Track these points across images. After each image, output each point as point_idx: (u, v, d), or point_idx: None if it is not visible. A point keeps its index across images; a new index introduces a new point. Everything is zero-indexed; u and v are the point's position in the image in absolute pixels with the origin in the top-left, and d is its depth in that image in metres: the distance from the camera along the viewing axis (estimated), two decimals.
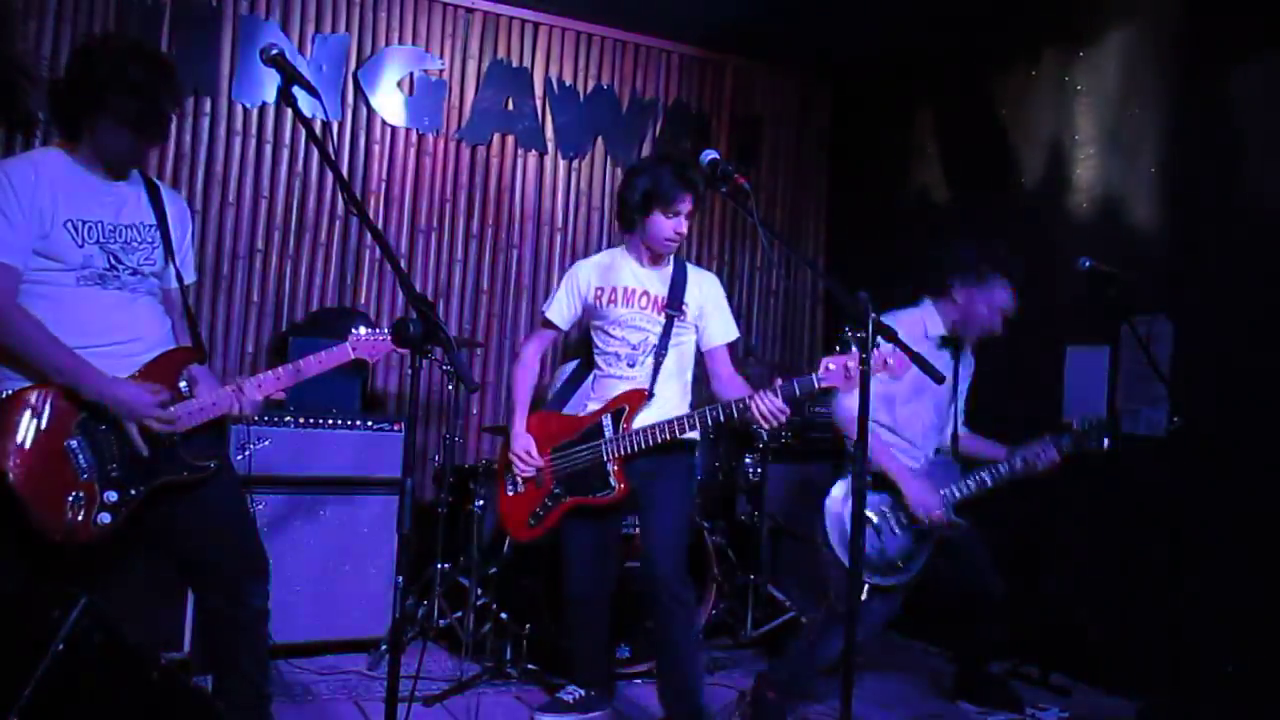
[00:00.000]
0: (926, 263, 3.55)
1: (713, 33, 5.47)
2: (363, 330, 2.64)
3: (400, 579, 2.08)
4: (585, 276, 3.22)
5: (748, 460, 4.58)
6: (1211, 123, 3.86)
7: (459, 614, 3.93)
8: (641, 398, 3.11)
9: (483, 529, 4.07)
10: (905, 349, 2.47)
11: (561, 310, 3.25)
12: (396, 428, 4.08)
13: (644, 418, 3.09)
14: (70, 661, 1.90)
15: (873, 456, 3.13)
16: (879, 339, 2.36)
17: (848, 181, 5.95)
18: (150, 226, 2.47)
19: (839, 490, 3.25)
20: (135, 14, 4.53)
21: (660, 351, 3.12)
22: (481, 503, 4.06)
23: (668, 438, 3.02)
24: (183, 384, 2.48)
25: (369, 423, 4.07)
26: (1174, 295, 3.89)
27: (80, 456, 2.30)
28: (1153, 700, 3.57)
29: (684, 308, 3.13)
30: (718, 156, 2.52)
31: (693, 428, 3.02)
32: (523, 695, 3.59)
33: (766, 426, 2.88)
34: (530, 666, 3.77)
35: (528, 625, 3.78)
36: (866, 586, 3.19)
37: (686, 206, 3.04)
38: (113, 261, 2.38)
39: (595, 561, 3.28)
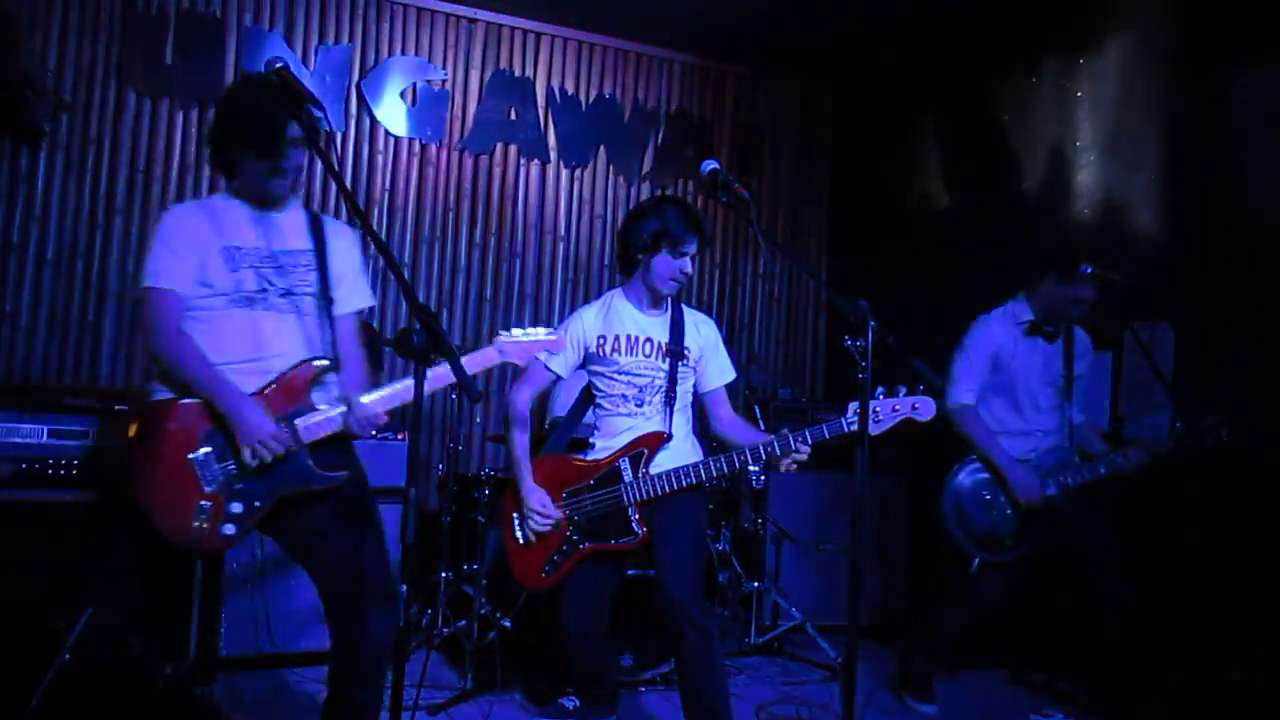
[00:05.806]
0: (1024, 261, 3.80)
1: (714, 41, 5.50)
2: (515, 332, 2.62)
3: (404, 588, 2.09)
4: (587, 325, 3.14)
5: (752, 468, 4.58)
6: (1212, 128, 3.87)
7: (463, 623, 3.94)
8: (660, 440, 3.05)
9: (486, 540, 4.07)
10: (904, 354, 2.49)
11: (565, 357, 3.14)
12: (400, 437, 4.09)
13: (661, 459, 3.05)
14: (77, 672, 1.91)
15: (980, 443, 3.57)
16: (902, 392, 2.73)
17: (850, 188, 5.97)
18: (307, 252, 2.54)
19: (963, 472, 3.61)
20: (140, 26, 4.57)
21: (671, 394, 3.09)
22: (485, 517, 4.06)
23: (693, 483, 2.98)
24: (315, 396, 2.50)
25: (373, 432, 4.06)
26: (1176, 301, 3.89)
27: (206, 469, 2.35)
28: (1158, 706, 3.56)
29: (686, 352, 3.11)
30: (718, 166, 2.55)
31: (718, 471, 2.96)
32: (526, 705, 3.59)
33: (793, 468, 2.92)
34: (534, 676, 3.77)
35: (531, 634, 3.78)
36: (976, 562, 3.53)
37: (693, 249, 3.02)
38: (265, 284, 2.46)
39: (596, 597, 3.23)
